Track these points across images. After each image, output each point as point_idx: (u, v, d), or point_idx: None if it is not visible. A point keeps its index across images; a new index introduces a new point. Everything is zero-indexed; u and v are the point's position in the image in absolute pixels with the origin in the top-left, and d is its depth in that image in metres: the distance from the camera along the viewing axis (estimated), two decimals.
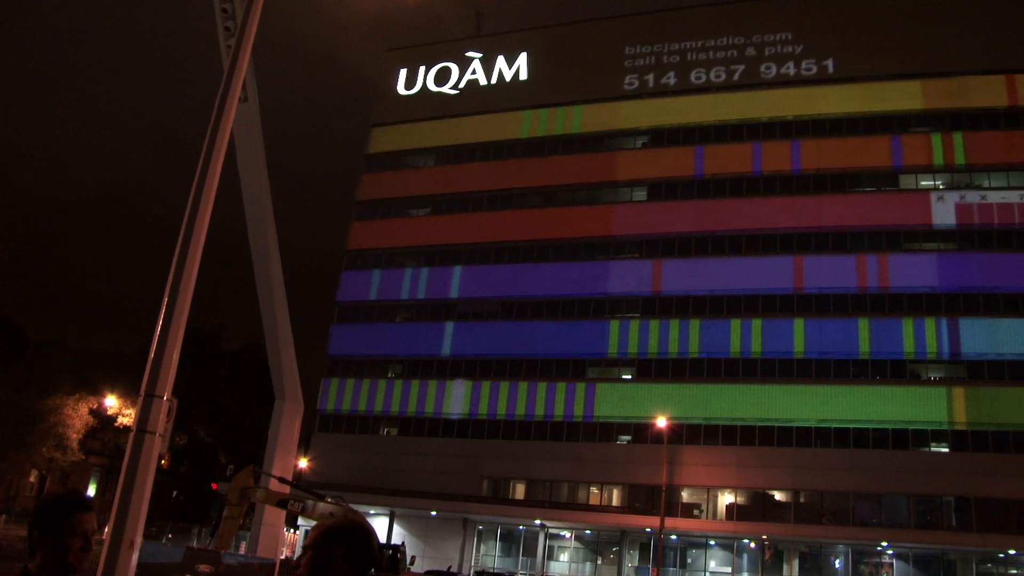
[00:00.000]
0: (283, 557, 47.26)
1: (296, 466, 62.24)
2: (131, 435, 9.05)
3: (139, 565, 8.88)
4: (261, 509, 46.72)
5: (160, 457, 9.55)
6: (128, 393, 63.18)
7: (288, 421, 49.77)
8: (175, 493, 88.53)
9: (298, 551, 51.18)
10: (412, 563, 51.92)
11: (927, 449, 62.25)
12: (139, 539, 8.70)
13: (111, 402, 65.13)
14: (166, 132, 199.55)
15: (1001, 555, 59.38)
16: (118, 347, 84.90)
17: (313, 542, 4.18)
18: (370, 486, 66.60)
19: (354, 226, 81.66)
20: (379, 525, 64.14)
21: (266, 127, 40.80)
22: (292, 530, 71.72)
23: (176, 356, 9.55)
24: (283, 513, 46.94)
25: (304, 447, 72.89)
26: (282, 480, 45.42)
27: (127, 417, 64.27)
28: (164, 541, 58.38)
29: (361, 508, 56.33)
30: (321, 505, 43.02)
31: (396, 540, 62.27)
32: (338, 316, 78.93)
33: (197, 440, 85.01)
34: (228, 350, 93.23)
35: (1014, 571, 60.86)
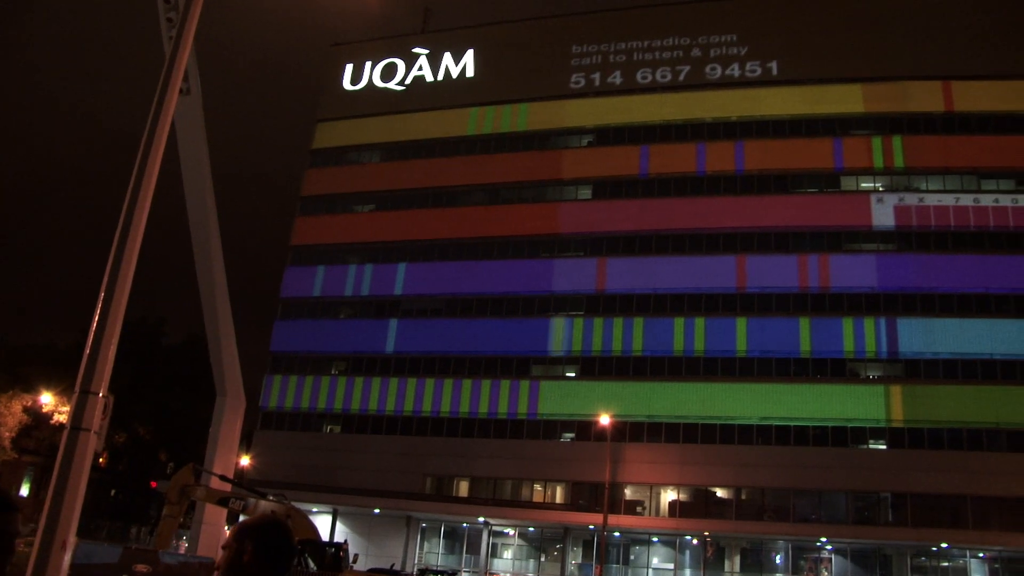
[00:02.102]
0: None
1: (238, 464, 61.41)
2: (65, 432, 8.83)
3: (73, 566, 8.66)
4: (202, 507, 46.10)
5: (97, 455, 9.34)
6: (64, 390, 61.93)
7: (230, 418, 49.14)
8: (113, 492, 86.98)
9: None
10: (355, 561, 51.37)
11: (865, 446, 63.40)
12: (72, 539, 8.49)
13: (46, 399, 63.77)
14: (108, 123, 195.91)
15: (934, 548, 60.79)
16: (54, 342, 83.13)
17: (228, 540, 4.12)
18: (313, 484, 65.94)
19: (298, 221, 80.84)
20: (322, 523, 63.57)
21: (209, 121, 40.22)
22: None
23: (113, 352, 9.34)
24: (224, 512, 46.38)
25: (246, 444, 72.00)
26: (223, 478, 44.87)
27: (63, 415, 63.00)
28: (100, 541, 57.31)
29: (304, 506, 55.68)
30: (263, 503, 42.57)
31: (339, 538, 61.78)
32: (281, 312, 78.06)
33: (136, 437, 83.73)
34: (169, 346, 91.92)
35: (946, 563, 62.21)
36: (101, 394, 9.04)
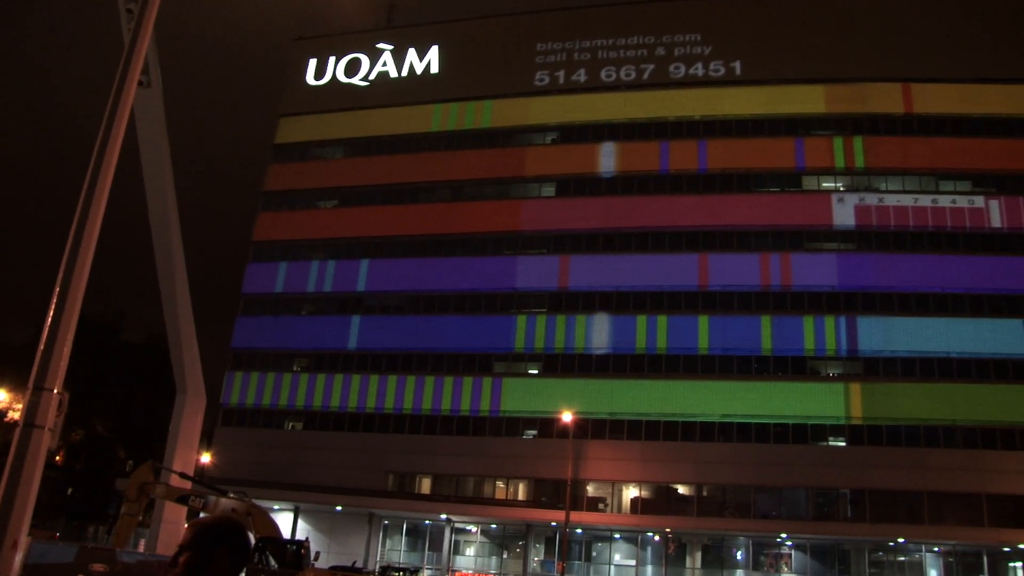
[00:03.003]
0: None
1: (198, 461, 60.88)
2: (17, 430, 8.68)
3: (27, 566, 8.53)
4: (161, 505, 45.72)
5: (52, 453, 9.18)
6: (18, 386, 61.01)
7: (190, 415, 48.79)
8: (70, 490, 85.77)
9: None
10: (316, 559, 51.09)
11: (825, 443, 64.08)
12: (24, 539, 8.33)
13: (0, 396, 62.78)
14: (66, 116, 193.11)
15: (891, 544, 61.71)
16: (8, 338, 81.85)
17: (191, 542, 4.04)
18: (275, 481, 65.50)
19: (260, 217, 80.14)
20: (283, 521, 63.07)
21: (170, 114, 39.81)
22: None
23: (68, 348, 9.19)
24: (184, 510, 46.00)
25: (207, 442, 71.40)
26: (183, 476, 44.53)
27: (19, 412, 61.99)
28: (56, 540, 56.47)
29: (265, 503, 55.30)
30: (223, 501, 42.31)
31: (300, 536, 61.38)
32: (243, 308, 77.36)
33: (94, 435, 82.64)
34: (129, 342, 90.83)
35: (903, 558, 63.11)
36: (56, 391, 8.90)
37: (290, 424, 73.25)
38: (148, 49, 11.81)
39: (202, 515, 44.73)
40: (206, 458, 70.01)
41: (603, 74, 77.44)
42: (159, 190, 41.49)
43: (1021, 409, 62.34)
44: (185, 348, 47.24)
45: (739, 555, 64.52)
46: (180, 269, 44.95)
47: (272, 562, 42.56)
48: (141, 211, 42.37)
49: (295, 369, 74.32)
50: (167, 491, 41.64)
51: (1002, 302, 65.18)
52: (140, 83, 12.15)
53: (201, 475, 62.33)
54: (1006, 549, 60.13)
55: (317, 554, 51.24)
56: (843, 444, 63.88)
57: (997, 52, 71.85)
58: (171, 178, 41.81)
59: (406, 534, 68.72)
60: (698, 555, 64.70)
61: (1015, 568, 61.71)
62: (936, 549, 62.14)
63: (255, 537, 43.97)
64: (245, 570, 4.22)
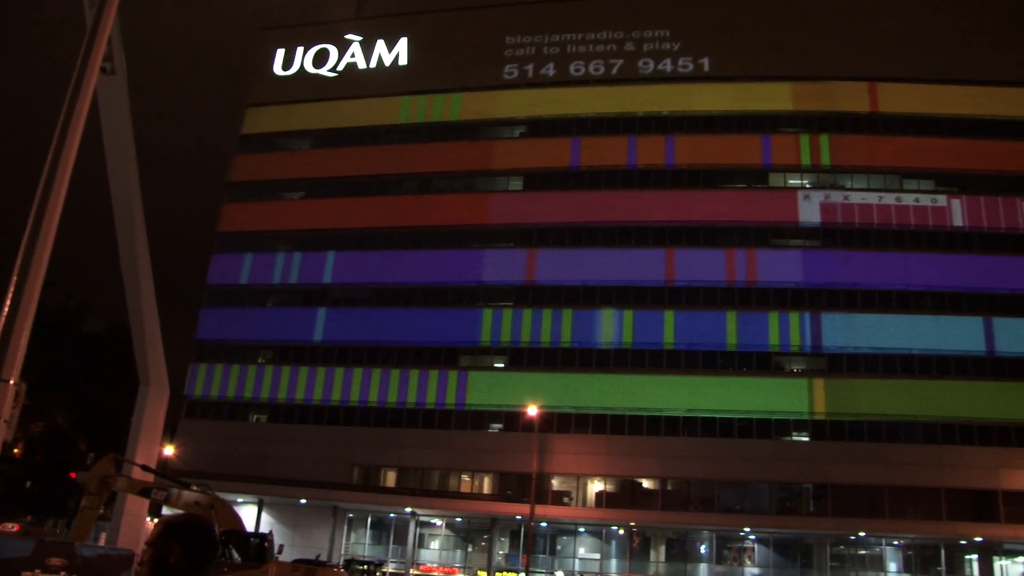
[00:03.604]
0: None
1: (161, 454, 60.28)
2: None
3: None
4: (123, 499, 45.14)
5: (9, 445, 9.00)
6: None
7: (153, 407, 48.16)
8: (29, 483, 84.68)
9: None
10: (280, 552, 50.71)
11: (788, 438, 64.64)
12: None
13: None
14: (25, 102, 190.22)
15: (852, 537, 62.40)
16: None
17: (154, 539, 4.06)
18: (239, 474, 64.99)
19: (226, 208, 79.36)
20: (247, 514, 62.61)
21: (135, 102, 39.25)
22: (156, 520, 69.41)
23: (25, 338, 9.01)
24: (146, 503, 45.48)
25: (170, 434, 70.71)
26: (145, 468, 43.96)
27: None
28: (14, 533, 55.75)
29: (229, 496, 54.81)
30: (186, 494, 41.85)
31: (264, 529, 60.98)
32: (208, 299, 76.57)
33: (55, 427, 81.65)
34: (91, 333, 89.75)
35: (863, 552, 63.92)
36: (12, 381, 8.72)
37: (255, 416, 72.73)
38: (111, 35, 11.60)
39: (165, 508, 44.35)
40: (169, 451, 69.39)
41: (572, 68, 77.47)
42: (123, 179, 40.91)
43: (979, 405, 63.30)
44: (148, 339, 46.64)
45: (703, 549, 64.98)
46: (144, 259, 44.36)
47: (235, 555, 42.19)
48: (105, 200, 41.72)
49: (260, 361, 73.78)
50: (129, 484, 41.06)
51: (963, 300, 66.06)
52: (103, 70, 11.94)
53: (164, 468, 61.73)
54: (963, 542, 61.24)
55: (281, 547, 50.94)
56: (806, 439, 64.48)
57: (961, 54, 72.68)
58: (135, 167, 41.24)
59: (371, 527, 68.51)
60: (662, 549, 65.08)
61: (971, 561, 62.80)
62: (896, 543, 63.11)
63: (218, 530, 43.65)
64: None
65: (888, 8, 75.50)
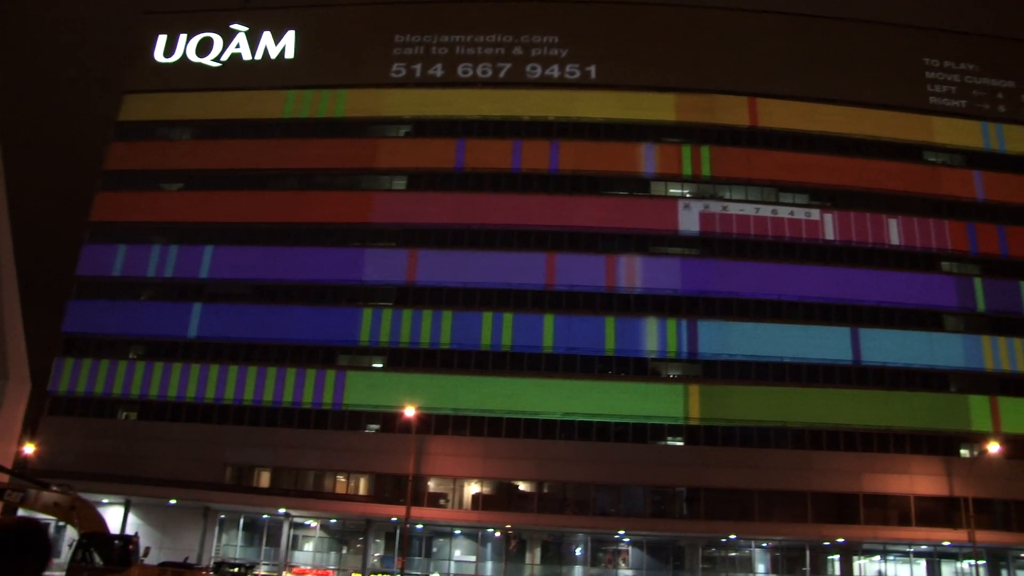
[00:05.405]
0: None
1: (20, 452, 57.79)
2: None
3: None
4: None
5: None
6: None
7: (12, 403, 45.72)
8: None
9: None
10: (146, 555, 49.14)
11: (663, 443, 65.80)
12: None
13: None
14: None
15: (723, 540, 64.25)
16: None
17: None
18: (105, 473, 62.67)
19: (99, 197, 76.44)
20: (113, 515, 60.46)
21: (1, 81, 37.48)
22: None
23: None
24: (0, 504, 43.41)
25: (31, 431, 67.74)
26: (0, 468, 42.04)
27: None
28: None
29: (93, 497, 53.03)
30: (45, 495, 40.43)
31: (131, 530, 59.05)
32: (77, 291, 73.63)
33: None
34: None
35: (734, 554, 65.70)
36: None
37: (124, 414, 70.32)
38: None
39: (20, 511, 42.49)
40: (29, 449, 66.50)
41: (460, 70, 77.40)
42: None
43: (845, 412, 65.84)
44: (8, 330, 44.36)
45: (578, 551, 65.63)
46: (6, 245, 42.42)
47: (97, 559, 40.83)
48: None
49: (131, 356, 71.37)
50: None
51: (831, 310, 68.53)
52: None
53: (23, 467, 59.16)
54: (826, 543, 63.74)
55: (147, 549, 49.44)
56: (681, 444, 65.79)
57: (836, 76, 76.03)
58: None
59: (243, 529, 67.07)
60: (538, 551, 65.45)
61: (833, 561, 65.22)
62: (764, 544, 65.06)
63: (79, 533, 41.94)
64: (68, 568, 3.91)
65: (770, 28, 78.39)
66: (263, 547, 66.21)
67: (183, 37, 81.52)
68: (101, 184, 77.20)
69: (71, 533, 53.94)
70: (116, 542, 43.16)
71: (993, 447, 60.24)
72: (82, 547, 41.00)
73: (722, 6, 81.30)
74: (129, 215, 75.36)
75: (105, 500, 61.58)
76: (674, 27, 78.04)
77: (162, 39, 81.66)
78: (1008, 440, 64.29)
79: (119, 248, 74.14)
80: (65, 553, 52.72)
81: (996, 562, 65.11)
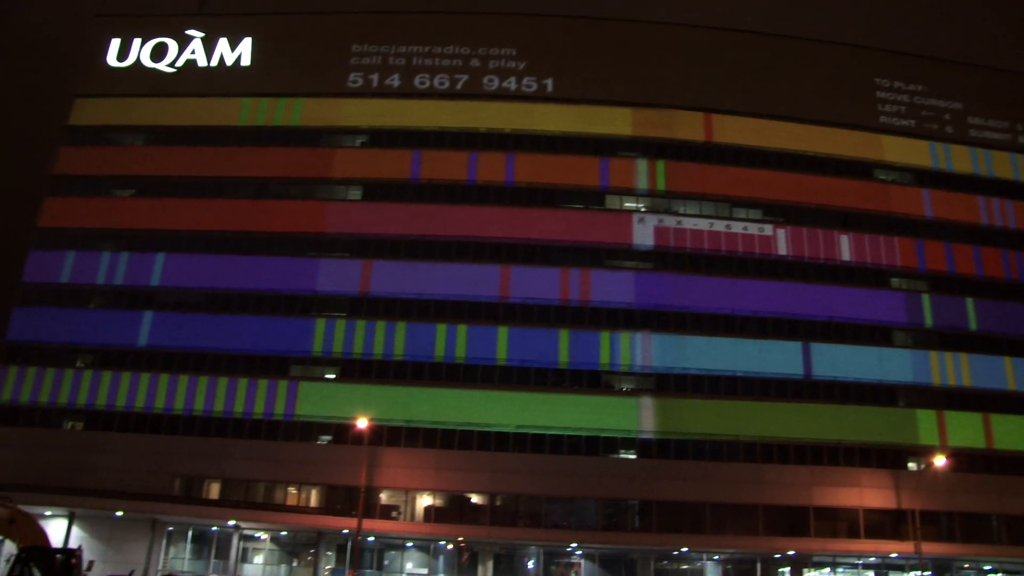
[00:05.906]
0: None
1: None
2: None
3: None
4: None
5: None
6: None
7: None
8: None
9: None
10: (90, 568, 48.32)
11: (616, 455, 66.01)
12: None
13: None
14: None
15: (675, 552, 64.52)
16: None
17: None
18: (48, 485, 61.42)
19: (47, 202, 75.09)
20: (56, 528, 59.30)
21: None
22: None
23: None
24: None
25: None
26: None
27: None
28: None
29: (34, 509, 51.97)
30: None
31: (74, 544, 57.92)
32: (22, 298, 72.16)
33: None
34: None
35: (686, 566, 66.04)
36: None
37: (70, 424, 69.00)
38: None
39: None
40: None
41: (417, 81, 77.33)
42: None
43: (796, 426, 66.66)
44: None
45: (530, 564, 65.60)
46: None
47: (37, 573, 39.99)
48: None
49: (79, 365, 70.10)
50: None
51: (784, 325, 69.46)
52: None
53: None
54: (777, 556, 64.28)
55: (91, 563, 48.62)
56: (633, 456, 66.05)
57: (789, 94, 77.47)
58: None
59: (191, 541, 66.04)
60: (490, 564, 65.26)
61: (784, 573, 65.76)
62: (716, 557, 65.49)
63: (19, 546, 41.10)
64: None
65: (725, 45, 79.64)
66: (212, 560, 65.23)
67: (137, 42, 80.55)
68: (49, 189, 75.91)
69: (9, 548, 52.88)
70: (58, 556, 42.30)
71: (939, 460, 61.50)
72: (20, 562, 40.19)
73: (679, 22, 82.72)
74: (79, 221, 74.17)
75: (48, 512, 60.36)
76: (631, 42, 78.73)
77: (115, 43, 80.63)
78: (954, 453, 65.56)
79: (68, 254, 72.95)
80: (1, 568, 51.49)
81: (941, 573, 66.18)
